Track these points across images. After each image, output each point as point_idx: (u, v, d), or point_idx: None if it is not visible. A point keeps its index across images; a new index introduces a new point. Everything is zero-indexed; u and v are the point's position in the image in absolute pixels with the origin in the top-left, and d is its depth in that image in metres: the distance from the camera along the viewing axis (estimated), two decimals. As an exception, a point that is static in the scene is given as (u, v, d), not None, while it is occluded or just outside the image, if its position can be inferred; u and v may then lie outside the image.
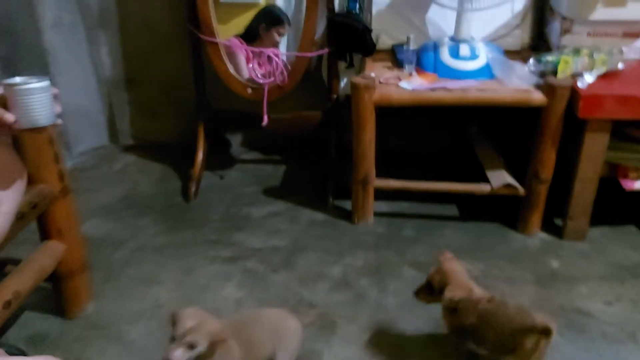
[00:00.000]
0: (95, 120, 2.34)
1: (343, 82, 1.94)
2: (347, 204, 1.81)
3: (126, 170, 2.19)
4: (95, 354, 1.26)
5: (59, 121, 0.91)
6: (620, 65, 1.57)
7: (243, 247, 1.66)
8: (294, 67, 1.81)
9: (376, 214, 1.79)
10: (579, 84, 1.48)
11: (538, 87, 1.53)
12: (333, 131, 1.97)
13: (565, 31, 1.66)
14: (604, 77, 1.54)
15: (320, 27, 1.80)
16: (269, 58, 1.79)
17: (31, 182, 1.19)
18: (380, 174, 1.72)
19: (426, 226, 1.76)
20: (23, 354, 1.22)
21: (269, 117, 1.85)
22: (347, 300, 1.43)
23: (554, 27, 1.72)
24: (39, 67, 2.05)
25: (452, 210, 1.84)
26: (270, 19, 1.88)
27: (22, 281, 1.19)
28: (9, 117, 0.84)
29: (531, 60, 1.59)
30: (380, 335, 1.31)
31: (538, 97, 1.51)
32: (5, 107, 0.86)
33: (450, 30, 1.70)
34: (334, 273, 1.54)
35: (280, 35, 1.90)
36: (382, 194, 1.79)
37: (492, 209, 1.79)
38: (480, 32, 1.75)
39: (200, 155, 2.02)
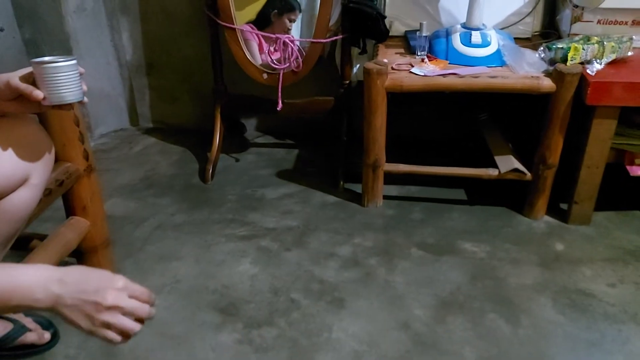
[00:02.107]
0: (116, 104, 2.40)
1: (356, 69, 1.98)
2: (358, 187, 1.86)
3: (146, 152, 2.26)
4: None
5: (86, 99, 0.95)
6: (629, 53, 1.59)
7: (258, 227, 1.72)
8: (309, 53, 1.85)
9: (385, 197, 1.83)
10: (588, 71, 1.51)
11: (548, 74, 1.56)
12: (344, 116, 2.01)
13: (576, 19, 1.68)
14: (613, 64, 1.56)
15: (335, 13, 1.83)
16: (285, 44, 1.83)
17: (57, 160, 1.23)
18: (390, 159, 1.76)
19: (434, 209, 1.80)
20: (51, 324, 1.29)
21: (283, 102, 1.90)
22: (356, 278, 1.48)
23: (565, 15, 1.74)
24: (62, 50, 2.12)
25: (460, 194, 1.88)
26: (282, 5, 1.91)
27: (48, 255, 1.22)
28: (38, 93, 0.89)
29: (542, 48, 1.61)
30: (388, 312, 1.36)
31: (547, 83, 1.53)
32: (34, 84, 0.90)
33: (462, 17, 1.72)
34: (344, 252, 1.59)
35: (292, 21, 1.93)
36: (391, 178, 1.83)
37: (499, 193, 1.83)
38: (491, 20, 1.77)
39: (217, 139, 2.07)
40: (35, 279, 0.74)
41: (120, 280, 0.77)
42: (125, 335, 0.76)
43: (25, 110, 0.96)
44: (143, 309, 0.78)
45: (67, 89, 0.91)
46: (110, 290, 0.75)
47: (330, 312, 1.36)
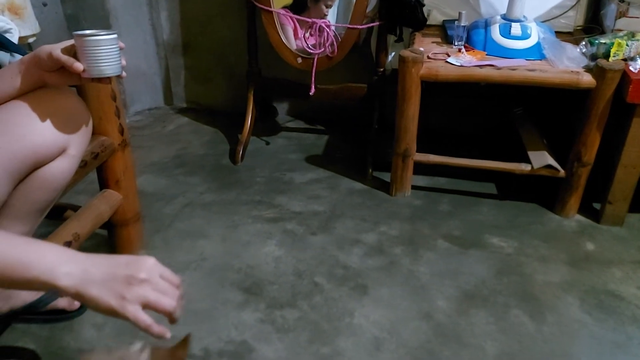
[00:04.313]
0: (151, 82, 2.44)
1: (391, 56, 1.96)
2: (386, 176, 1.85)
3: (179, 131, 2.30)
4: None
5: (124, 74, 0.95)
6: (675, 51, 1.53)
7: (284, 210, 1.73)
8: (344, 38, 1.84)
9: (414, 188, 1.82)
10: (631, 68, 1.46)
11: (588, 69, 1.52)
12: (377, 104, 2.00)
13: (621, 14, 1.63)
14: (658, 62, 1.51)
15: (372, 0, 1.82)
16: (320, 29, 1.83)
17: (93, 133, 1.26)
18: (421, 149, 1.74)
19: (463, 202, 1.78)
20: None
21: (315, 87, 1.90)
22: (380, 266, 1.48)
23: (610, 10, 1.69)
24: (102, 27, 2.14)
25: (490, 188, 1.85)
26: None
27: (81, 224, 1.25)
28: (78, 66, 0.90)
29: (583, 42, 1.57)
30: (410, 301, 1.36)
31: (587, 79, 1.50)
32: (75, 57, 0.91)
33: (502, 8, 1.69)
34: (369, 240, 1.59)
35: (328, 7, 1.92)
36: (420, 169, 1.82)
37: (530, 189, 1.80)
38: (533, 12, 1.73)
39: (248, 121, 2.09)
40: (62, 252, 0.71)
41: (151, 258, 0.73)
42: (163, 312, 0.71)
43: (65, 82, 0.97)
44: (174, 292, 0.72)
45: (106, 62, 0.92)
46: (143, 263, 0.72)
47: (353, 297, 1.37)
